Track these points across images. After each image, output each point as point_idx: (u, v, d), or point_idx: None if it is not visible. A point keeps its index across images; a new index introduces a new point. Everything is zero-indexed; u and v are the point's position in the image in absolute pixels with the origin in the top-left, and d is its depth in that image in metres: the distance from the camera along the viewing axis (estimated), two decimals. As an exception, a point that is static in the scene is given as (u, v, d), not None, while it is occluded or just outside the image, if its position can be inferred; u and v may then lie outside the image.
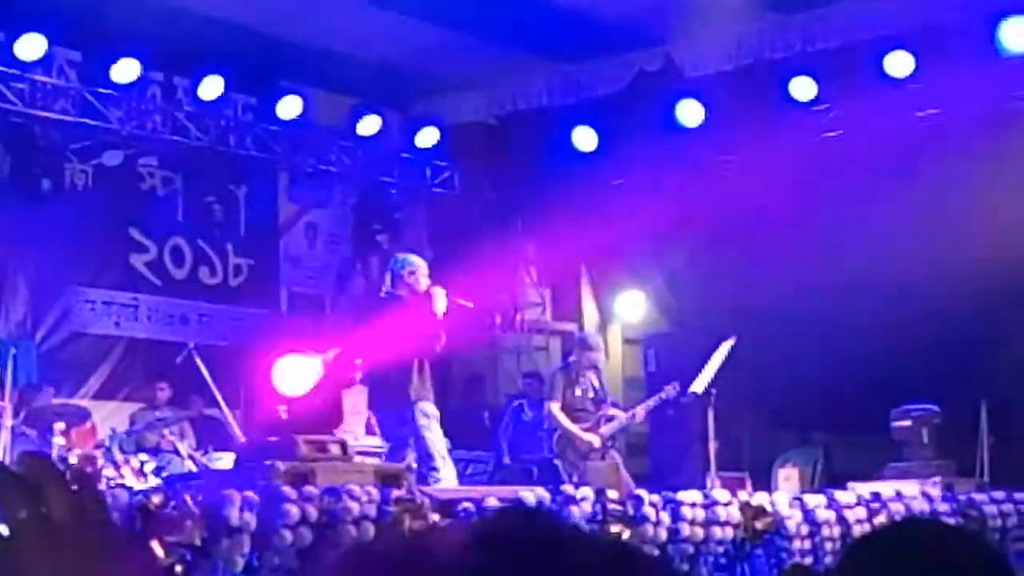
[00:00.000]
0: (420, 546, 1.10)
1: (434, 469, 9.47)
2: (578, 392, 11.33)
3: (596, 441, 11.24)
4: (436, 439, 9.67)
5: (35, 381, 11.73)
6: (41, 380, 11.84)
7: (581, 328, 14.76)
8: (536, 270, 15.85)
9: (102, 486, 8.72)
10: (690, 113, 13.77)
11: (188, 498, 6.89)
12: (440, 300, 9.76)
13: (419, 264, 10.13)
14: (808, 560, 9.20)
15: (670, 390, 11.51)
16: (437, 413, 9.78)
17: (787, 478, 11.35)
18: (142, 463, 10.56)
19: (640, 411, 11.79)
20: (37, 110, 12.42)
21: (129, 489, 7.66)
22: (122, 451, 10.95)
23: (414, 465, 9.34)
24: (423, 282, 9.92)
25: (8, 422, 10.28)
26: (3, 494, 1.16)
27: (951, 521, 10.03)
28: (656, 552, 8.51)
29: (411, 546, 1.11)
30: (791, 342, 12.74)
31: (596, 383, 11.55)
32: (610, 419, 11.46)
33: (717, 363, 10.86)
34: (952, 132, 12.67)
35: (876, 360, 12.47)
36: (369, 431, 12.45)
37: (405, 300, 9.82)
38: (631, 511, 8.49)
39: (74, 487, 1.19)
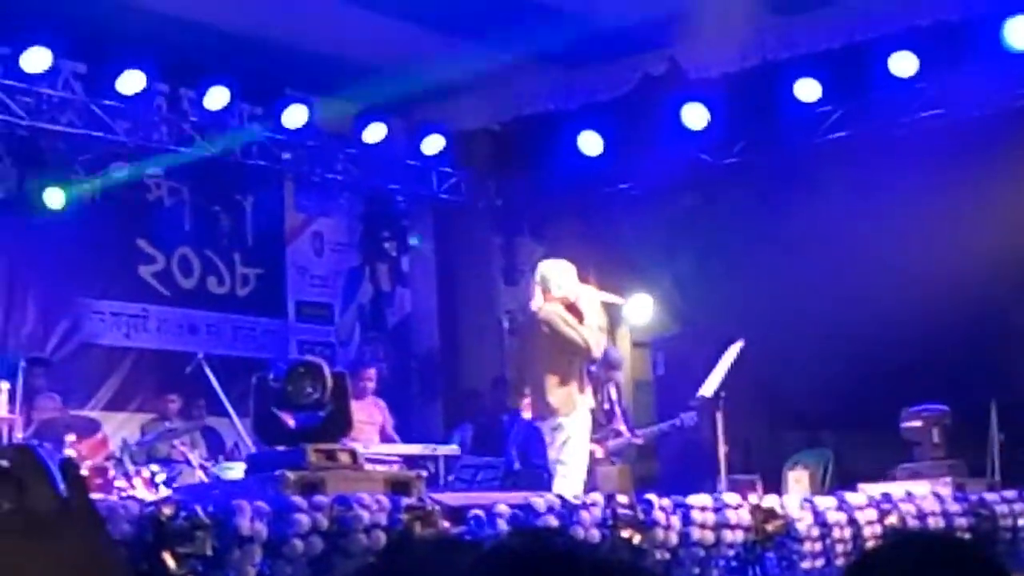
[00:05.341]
0: (433, 567, 1.10)
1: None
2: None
3: (599, 451, 11.23)
4: (566, 447, 9.70)
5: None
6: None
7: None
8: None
9: (113, 498, 8.73)
10: (695, 116, 13.77)
11: (199, 509, 6.90)
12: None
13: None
14: (819, 562, 9.20)
15: (687, 419, 11.47)
16: (572, 422, 9.77)
17: (797, 480, 11.32)
18: (153, 474, 10.56)
19: (651, 432, 11.84)
20: (43, 123, 12.45)
21: (140, 500, 7.66)
22: (133, 462, 10.94)
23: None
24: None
25: (19, 434, 10.30)
26: None
27: (963, 521, 10.04)
28: (667, 556, 8.51)
29: (424, 566, 1.11)
30: (800, 344, 12.73)
31: (615, 396, 11.56)
32: (618, 435, 11.47)
33: (726, 366, 10.83)
34: (958, 131, 12.66)
35: (885, 360, 12.45)
36: (386, 439, 12.47)
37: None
38: (641, 516, 8.48)
39: (60, 480, 1.19)
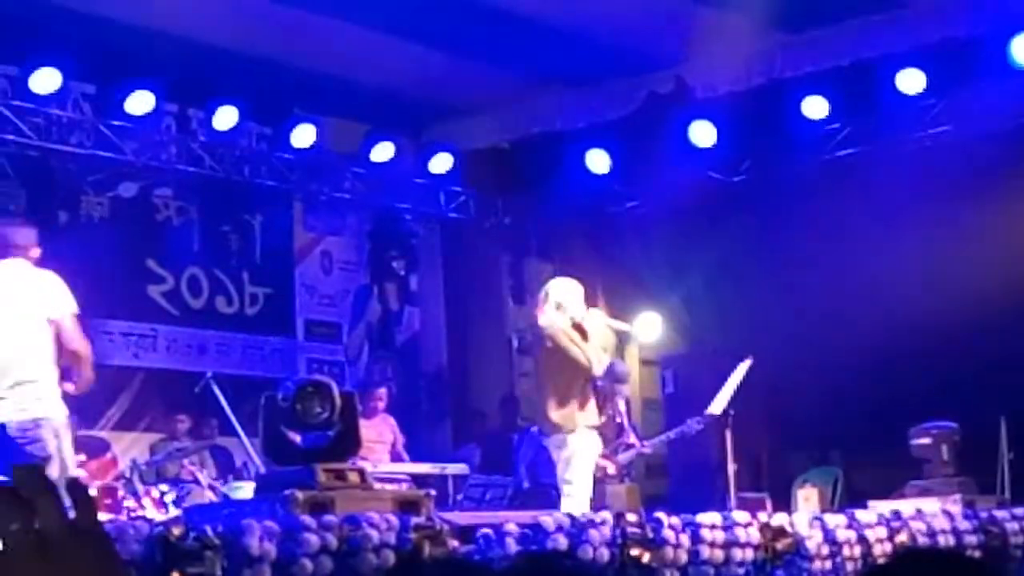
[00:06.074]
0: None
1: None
2: (602, 418, 11.31)
3: (611, 467, 11.23)
4: (570, 464, 9.71)
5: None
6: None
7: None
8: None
9: (123, 518, 8.74)
10: (703, 134, 13.79)
11: (208, 529, 6.90)
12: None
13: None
14: (829, 580, 9.17)
15: (694, 424, 11.44)
16: (576, 439, 9.77)
17: (807, 498, 11.31)
18: (162, 493, 10.58)
19: (659, 441, 11.80)
20: (52, 143, 12.50)
21: (150, 520, 7.66)
22: (143, 482, 10.96)
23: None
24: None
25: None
26: None
27: (973, 538, 10.01)
28: (677, 574, 8.49)
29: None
30: (808, 361, 12.72)
31: (623, 409, 11.55)
32: (628, 447, 11.45)
33: (735, 384, 10.83)
34: (966, 148, 12.67)
35: (894, 378, 12.44)
36: (395, 458, 12.48)
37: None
38: (651, 534, 8.47)
39: (68, 499, 1.19)
